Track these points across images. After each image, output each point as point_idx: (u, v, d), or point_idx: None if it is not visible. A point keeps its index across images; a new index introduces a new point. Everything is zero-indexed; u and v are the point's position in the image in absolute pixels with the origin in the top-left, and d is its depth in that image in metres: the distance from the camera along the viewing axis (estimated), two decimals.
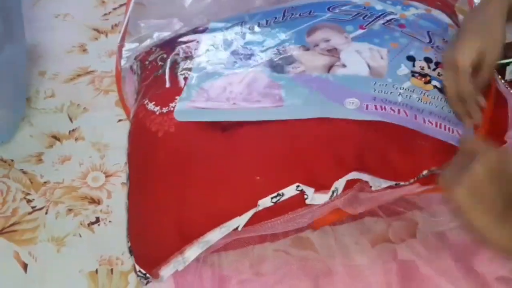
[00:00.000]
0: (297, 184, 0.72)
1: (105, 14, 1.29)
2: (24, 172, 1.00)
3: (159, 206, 0.75)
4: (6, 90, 0.99)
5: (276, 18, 0.94)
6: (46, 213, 0.94)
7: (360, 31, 0.89)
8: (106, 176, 1.00)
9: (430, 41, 0.87)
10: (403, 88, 0.80)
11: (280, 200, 0.72)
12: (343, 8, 0.93)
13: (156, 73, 0.91)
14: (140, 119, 0.83)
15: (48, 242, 0.90)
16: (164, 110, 0.82)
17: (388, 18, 0.91)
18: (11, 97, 1.01)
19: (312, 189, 0.72)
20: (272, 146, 0.76)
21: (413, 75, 0.82)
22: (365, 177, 0.73)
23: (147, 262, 0.74)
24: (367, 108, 0.77)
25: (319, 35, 0.89)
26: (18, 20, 1.06)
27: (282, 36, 0.90)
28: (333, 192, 0.72)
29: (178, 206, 0.74)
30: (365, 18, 0.91)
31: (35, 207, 0.95)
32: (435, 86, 0.81)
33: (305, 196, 0.72)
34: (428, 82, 0.82)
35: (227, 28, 0.96)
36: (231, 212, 0.72)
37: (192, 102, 0.82)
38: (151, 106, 0.84)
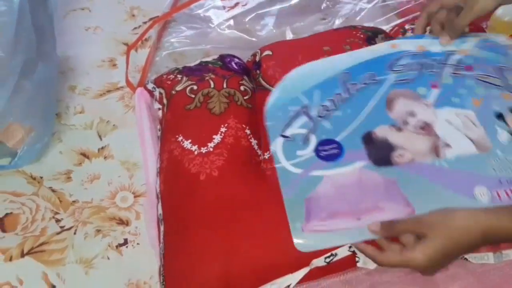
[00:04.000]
0: (350, 244, 0.71)
1: (134, 28, 1.29)
2: (53, 190, 1.00)
3: (203, 255, 0.74)
4: (38, 109, 0.99)
5: (339, 94, 0.79)
6: (75, 233, 0.94)
7: (435, 92, 0.78)
8: (135, 196, 0.99)
9: (503, 80, 0.80)
10: None
11: (333, 260, 0.71)
12: (402, 63, 0.81)
13: (188, 106, 0.90)
14: (176, 157, 0.82)
15: (76, 264, 0.90)
16: (203, 150, 0.81)
17: (452, 62, 0.81)
18: (42, 116, 1.01)
19: None
20: None
21: None
22: None
23: None
24: (499, 197, 0.68)
25: (401, 108, 0.77)
26: (51, 37, 1.06)
27: (362, 116, 0.76)
28: None
29: (225, 257, 0.72)
30: (431, 71, 0.80)
31: (63, 227, 0.95)
32: None
33: (357, 259, 0.71)
34: None
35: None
36: (284, 268, 0.71)
37: (308, 225, 0.67)
38: (187, 144, 0.83)
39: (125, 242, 0.93)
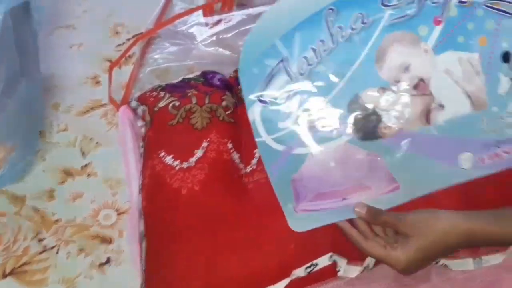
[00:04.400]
0: (330, 254, 0.71)
1: (118, 45, 1.29)
2: (36, 209, 0.99)
3: (185, 270, 0.74)
4: (21, 127, 0.99)
5: (322, 41, 0.66)
6: (57, 252, 0.93)
7: (438, 29, 0.65)
8: (118, 214, 0.99)
9: None
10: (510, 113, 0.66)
11: (314, 270, 0.71)
12: None
13: (170, 122, 0.90)
14: (158, 173, 0.82)
15: (59, 284, 0.90)
16: (185, 165, 0.81)
17: None
18: (25, 134, 1.01)
19: (345, 260, 0.71)
20: None
21: None
22: None
23: None
24: (483, 162, 0.66)
25: (394, 60, 0.66)
26: (34, 54, 1.06)
27: (348, 76, 0.66)
28: (368, 265, 0.71)
29: (206, 271, 0.72)
30: (435, 1, 0.65)
31: (46, 246, 0.94)
32: None
33: (338, 268, 0.71)
34: None
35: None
36: (265, 280, 0.71)
37: (299, 206, 0.66)
38: (169, 159, 0.83)
39: (108, 260, 0.92)
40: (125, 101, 1.08)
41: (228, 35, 1.17)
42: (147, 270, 0.77)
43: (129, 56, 1.25)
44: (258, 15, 1.17)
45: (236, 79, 1.01)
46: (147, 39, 1.24)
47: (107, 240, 0.95)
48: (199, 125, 0.89)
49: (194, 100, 0.93)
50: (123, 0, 1.39)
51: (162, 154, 0.85)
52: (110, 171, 1.05)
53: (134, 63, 1.20)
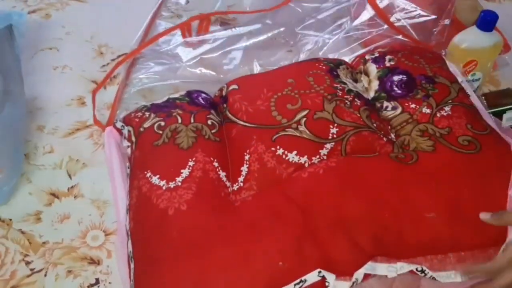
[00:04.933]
0: (319, 269, 0.72)
1: (103, 66, 1.30)
2: (23, 232, 0.99)
3: None
4: (6, 151, 0.99)
5: None
6: (45, 275, 0.93)
7: None
8: (106, 235, 0.99)
9: None
10: None
11: (302, 286, 0.72)
12: None
13: (156, 142, 0.90)
14: (144, 194, 0.82)
15: None
16: (172, 185, 0.81)
17: None
18: (10, 157, 1.01)
19: (334, 276, 0.72)
20: (292, 229, 0.75)
21: None
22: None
23: None
24: None
25: None
26: (18, 77, 1.06)
27: None
28: (356, 280, 0.72)
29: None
30: None
31: (34, 269, 0.94)
32: None
33: (326, 284, 0.72)
34: None
35: None
36: None
37: None
38: (155, 179, 0.83)
39: (97, 281, 0.92)
40: (111, 122, 1.08)
41: (214, 55, 1.19)
42: None
43: (114, 77, 1.26)
44: (243, 35, 1.19)
45: (221, 97, 1.02)
46: (132, 59, 1.25)
47: (95, 261, 0.95)
48: (185, 145, 0.90)
49: (179, 120, 0.93)
50: (106, 21, 1.40)
51: (149, 174, 0.85)
52: (97, 192, 1.05)
53: (119, 83, 1.21)
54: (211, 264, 0.75)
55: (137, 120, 0.98)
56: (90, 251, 0.96)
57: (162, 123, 0.93)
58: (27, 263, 0.94)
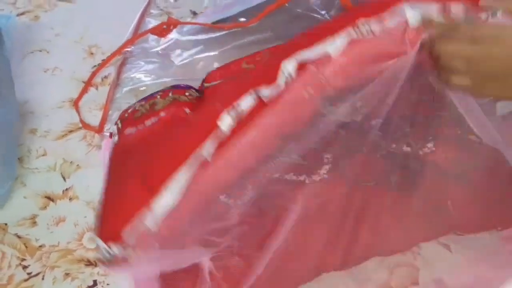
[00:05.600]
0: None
1: (94, 66, 1.29)
2: (19, 237, 0.98)
3: (127, 178, 0.76)
4: None
5: None
6: (43, 279, 0.93)
7: None
8: None
9: None
10: None
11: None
12: None
13: (136, 115, 0.91)
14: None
15: None
16: (140, 127, 0.85)
17: None
18: (3, 161, 1.01)
19: None
20: None
21: None
22: None
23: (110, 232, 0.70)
24: None
25: None
26: (8, 81, 1.06)
27: None
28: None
29: (144, 166, 0.75)
30: None
31: (31, 273, 0.94)
32: None
33: None
34: None
35: None
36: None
37: None
38: (129, 130, 0.86)
39: (95, 283, 0.92)
40: (103, 122, 1.08)
41: (202, 55, 1.18)
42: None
43: (105, 77, 1.25)
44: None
45: (202, 81, 1.02)
46: (122, 59, 1.24)
47: (92, 263, 0.95)
48: (160, 107, 0.91)
49: (158, 97, 0.94)
50: (95, 21, 1.40)
51: (128, 132, 0.87)
52: (92, 193, 1.05)
53: (110, 83, 1.21)
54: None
55: (126, 114, 0.98)
56: (86, 253, 0.96)
57: (143, 102, 0.94)
58: (24, 267, 0.94)
